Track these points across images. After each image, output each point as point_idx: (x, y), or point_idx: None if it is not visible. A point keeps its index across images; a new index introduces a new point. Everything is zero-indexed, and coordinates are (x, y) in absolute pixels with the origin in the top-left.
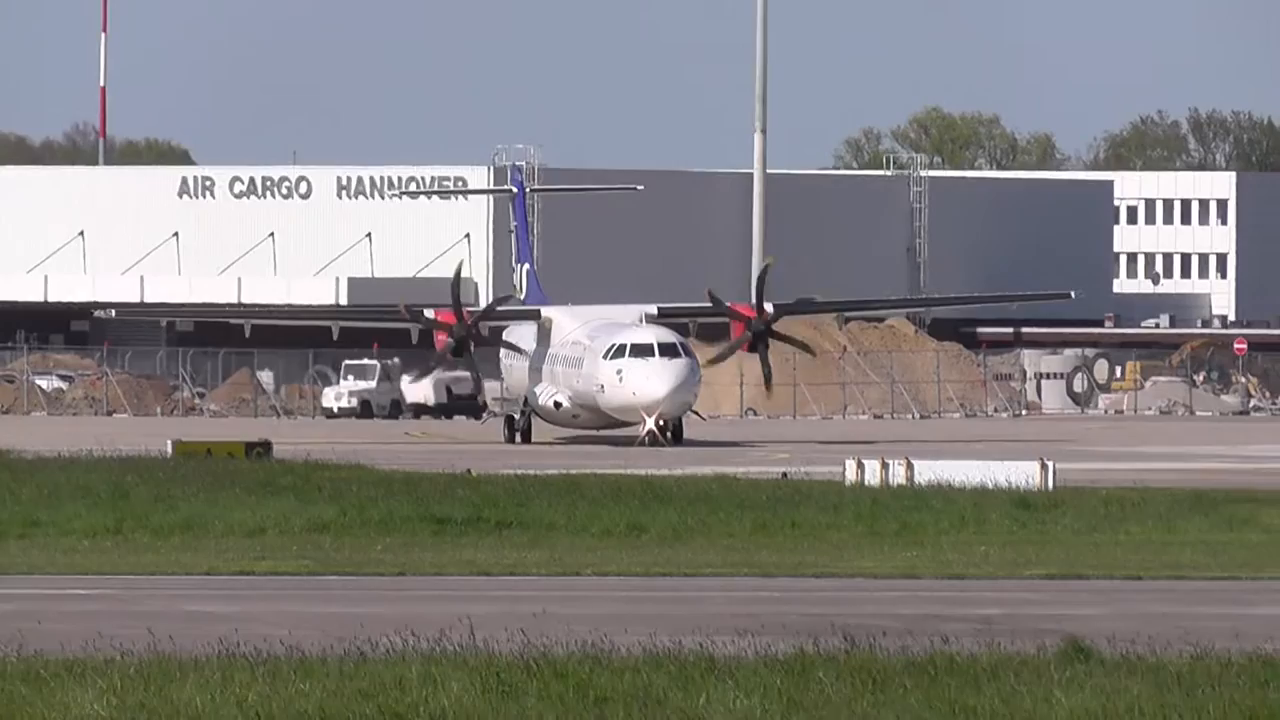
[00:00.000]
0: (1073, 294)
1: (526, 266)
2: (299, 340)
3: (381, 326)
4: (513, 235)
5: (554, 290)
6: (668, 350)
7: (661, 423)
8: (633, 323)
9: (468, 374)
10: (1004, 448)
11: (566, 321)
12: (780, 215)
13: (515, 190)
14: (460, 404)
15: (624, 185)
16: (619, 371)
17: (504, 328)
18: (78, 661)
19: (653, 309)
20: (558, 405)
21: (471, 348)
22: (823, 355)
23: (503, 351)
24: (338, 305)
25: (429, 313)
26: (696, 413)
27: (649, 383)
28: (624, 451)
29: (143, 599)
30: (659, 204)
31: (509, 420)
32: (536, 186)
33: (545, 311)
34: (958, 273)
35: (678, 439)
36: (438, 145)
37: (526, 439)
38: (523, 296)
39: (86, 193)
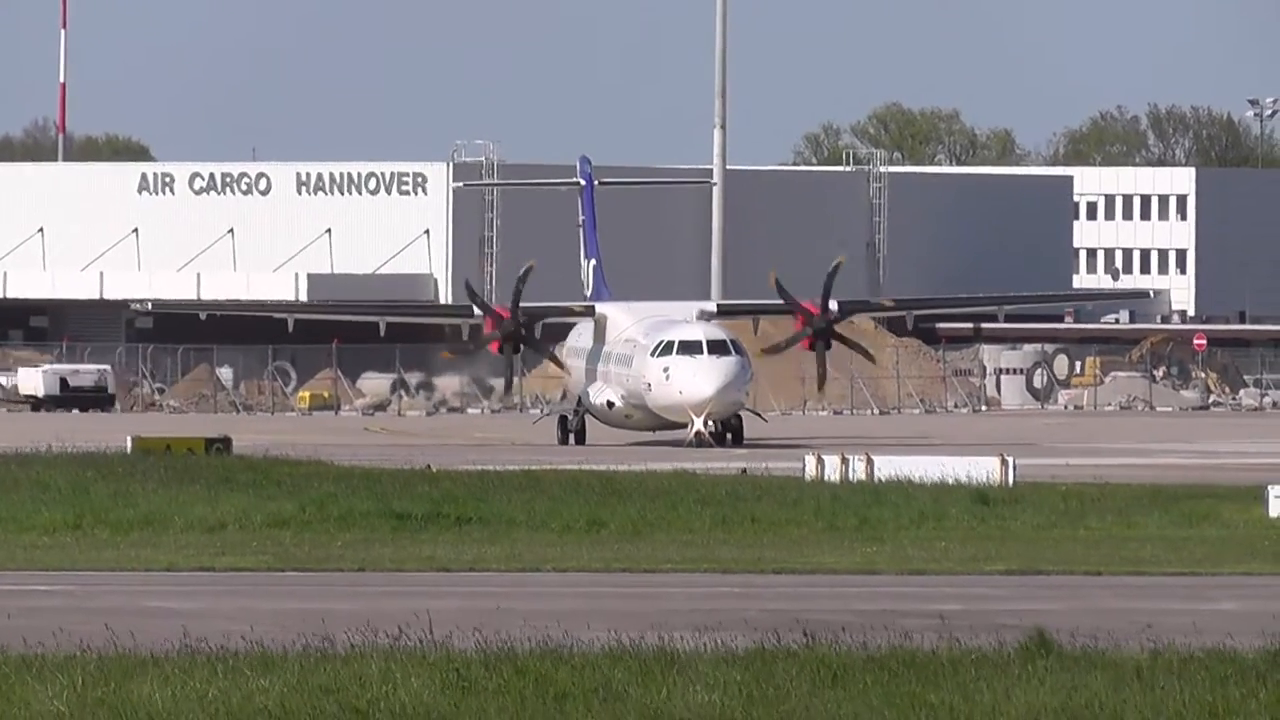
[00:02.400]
0: (1151, 293)
1: (593, 262)
2: (259, 336)
3: (421, 321)
4: (580, 230)
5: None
6: (717, 348)
7: (710, 423)
8: (685, 319)
9: (95, 367)
10: (964, 443)
11: (621, 318)
12: (740, 211)
13: (583, 183)
14: (83, 397)
15: (695, 180)
16: (666, 369)
17: (566, 325)
18: (37, 658)
19: (712, 305)
20: (610, 405)
21: (519, 346)
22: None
23: (564, 349)
24: (299, 301)
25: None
26: (757, 413)
27: (696, 381)
28: (675, 452)
29: (102, 595)
30: (615, 200)
31: (562, 420)
32: (605, 180)
33: (600, 308)
34: (917, 269)
35: (738, 440)
36: (397, 141)
37: (580, 440)
38: (588, 293)
39: (46, 189)
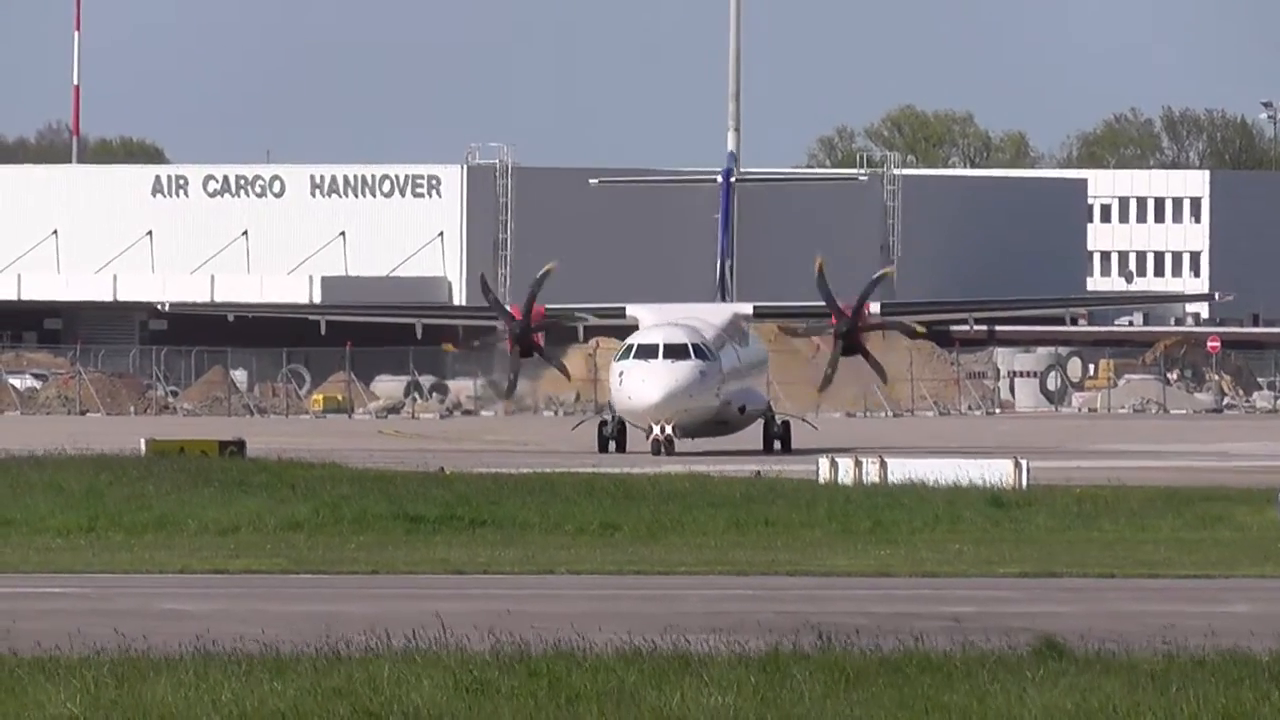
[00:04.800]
0: (1218, 295)
1: (728, 264)
2: (273, 339)
3: (449, 323)
4: (729, 226)
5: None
6: (674, 352)
7: (669, 430)
8: (669, 322)
9: None
10: (978, 446)
11: (648, 319)
12: (753, 214)
13: (720, 180)
14: None
15: (846, 176)
16: (621, 374)
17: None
18: (51, 660)
19: (747, 308)
20: (613, 410)
21: (530, 349)
22: (797, 354)
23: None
24: (312, 304)
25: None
26: (806, 420)
27: (643, 387)
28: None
29: (116, 597)
30: (629, 202)
31: (601, 426)
32: (742, 176)
33: (631, 310)
34: (931, 271)
35: (786, 447)
36: (411, 144)
37: (621, 447)
38: (718, 294)
39: (60, 191)
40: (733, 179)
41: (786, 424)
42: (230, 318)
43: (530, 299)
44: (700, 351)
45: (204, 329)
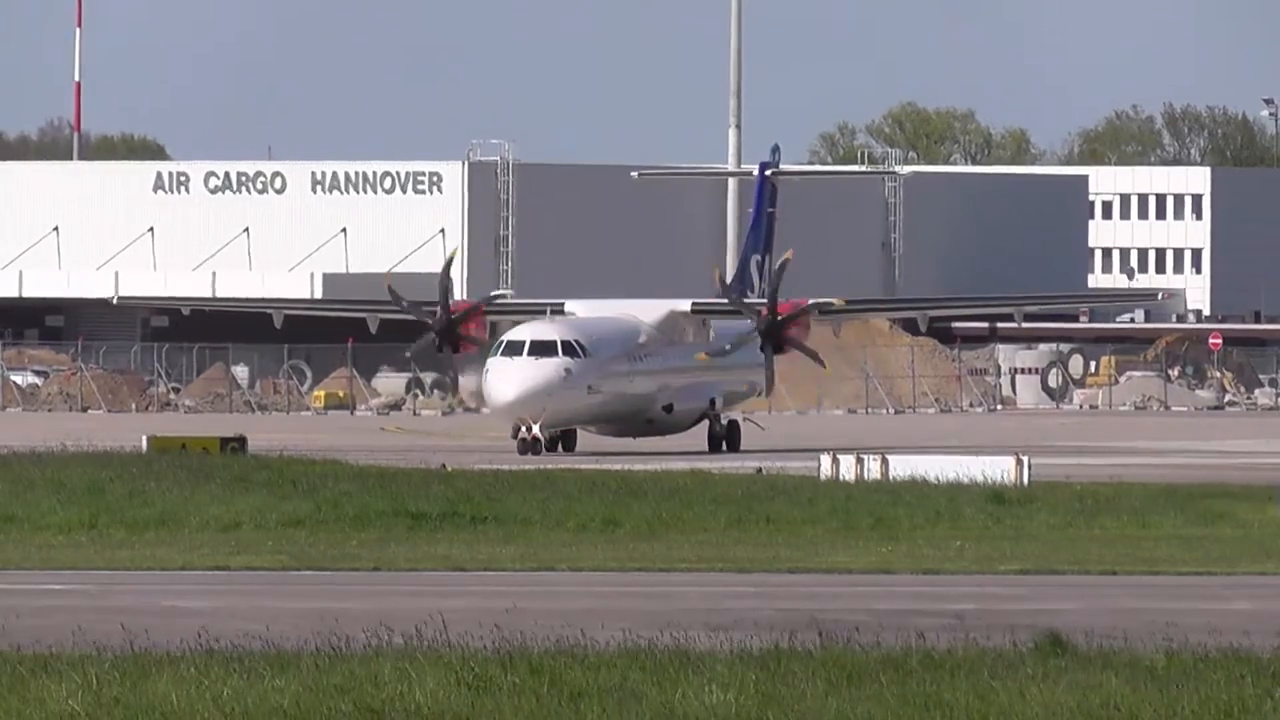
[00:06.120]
0: (1161, 295)
1: (757, 258)
2: (273, 335)
3: (357, 315)
4: (760, 221)
5: (528, 284)
6: (541, 349)
7: (536, 430)
8: (547, 319)
9: None
10: (979, 443)
11: (582, 315)
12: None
13: (756, 173)
14: None
15: (877, 171)
16: (487, 370)
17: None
18: (53, 657)
19: (686, 304)
20: None
21: (460, 346)
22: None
23: None
24: (313, 299)
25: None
26: (753, 421)
27: (500, 385)
28: (689, 454)
29: (118, 594)
30: (631, 198)
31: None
32: (780, 170)
33: (570, 306)
34: (933, 268)
35: (733, 448)
36: (412, 140)
37: (569, 448)
38: (740, 290)
39: (61, 188)
40: (768, 173)
41: (733, 424)
42: (156, 318)
43: (443, 294)
44: (569, 348)
45: (205, 325)
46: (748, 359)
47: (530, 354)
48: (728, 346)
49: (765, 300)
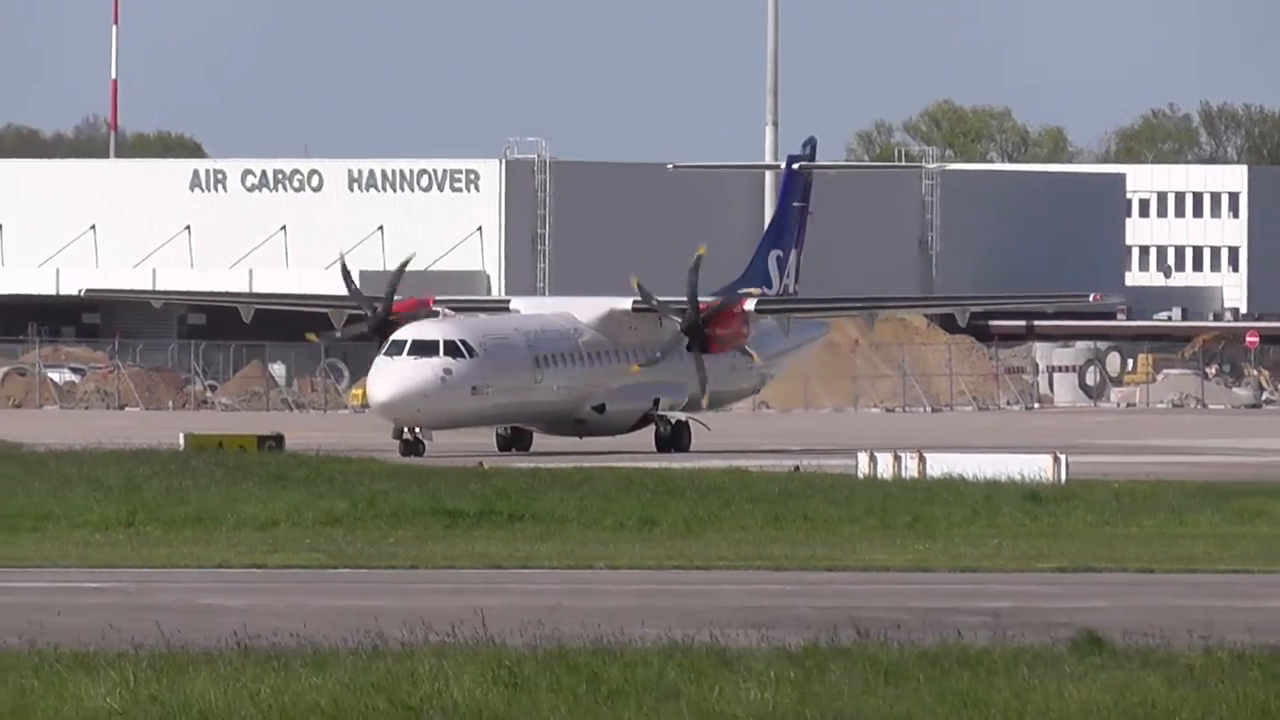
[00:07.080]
0: (1093, 297)
1: (777, 253)
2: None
3: (302, 310)
4: (785, 215)
5: (565, 281)
6: (422, 349)
7: (412, 433)
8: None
9: None
10: (1016, 441)
11: (525, 311)
12: None
13: (783, 166)
14: None
15: (907, 166)
16: (371, 369)
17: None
18: (90, 654)
19: (626, 303)
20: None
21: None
22: (835, 348)
23: None
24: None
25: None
26: (702, 422)
27: (377, 384)
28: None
29: (155, 592)
30: (669, 196)
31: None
32: (808, 163)
33: (515, 303)
34: (970, 266)
35: (681, 448)
36: (449, 138)
37: (524, 447)
38: (764, 285)
39: (98, 186)
40: (796, 166)
41: (680, 424)
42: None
43: (390, 289)
44: (453, 348)
45: (242, 323)
46: (682, 362)
47: (411, 354)
48: (659, 354)
49: (685, 300)
